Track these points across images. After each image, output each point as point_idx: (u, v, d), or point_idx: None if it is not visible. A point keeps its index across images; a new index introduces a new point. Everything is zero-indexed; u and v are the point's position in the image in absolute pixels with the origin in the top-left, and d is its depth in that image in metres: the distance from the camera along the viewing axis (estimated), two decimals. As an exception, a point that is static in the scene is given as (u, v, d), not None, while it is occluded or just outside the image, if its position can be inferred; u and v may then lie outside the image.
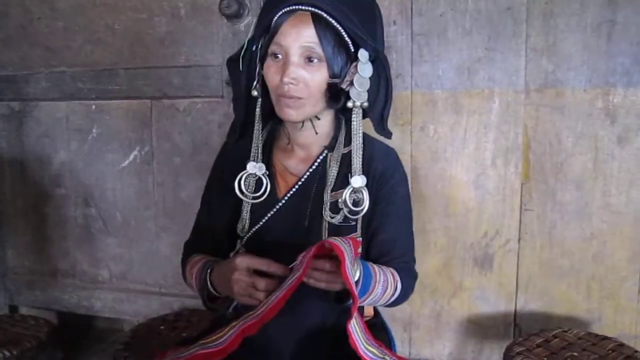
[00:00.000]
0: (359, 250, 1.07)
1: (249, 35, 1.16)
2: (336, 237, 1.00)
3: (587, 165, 1.82)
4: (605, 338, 1.64)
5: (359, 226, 1.17)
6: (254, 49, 1.16)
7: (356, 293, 0.96)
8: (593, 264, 1.85)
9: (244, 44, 1.16)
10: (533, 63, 1.82)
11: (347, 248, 0.97)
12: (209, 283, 1.14)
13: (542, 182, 1.86)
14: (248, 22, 1.92)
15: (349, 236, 1.12)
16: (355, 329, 0.99)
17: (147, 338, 1.83)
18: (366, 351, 0.99)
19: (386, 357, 1.01)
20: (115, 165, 2.18)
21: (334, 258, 0.98)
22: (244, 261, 1.05)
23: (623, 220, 1.81)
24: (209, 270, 1.15)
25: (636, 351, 1.55)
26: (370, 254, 1.20)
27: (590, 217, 1.83)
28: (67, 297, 2.29)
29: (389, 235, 1.19)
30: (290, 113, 1.11)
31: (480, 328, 1.99)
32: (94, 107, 2.16)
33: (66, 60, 2.15)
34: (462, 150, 1.92)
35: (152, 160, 2.14)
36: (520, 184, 1.88)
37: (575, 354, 1.56)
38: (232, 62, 1.20)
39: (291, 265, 1.04)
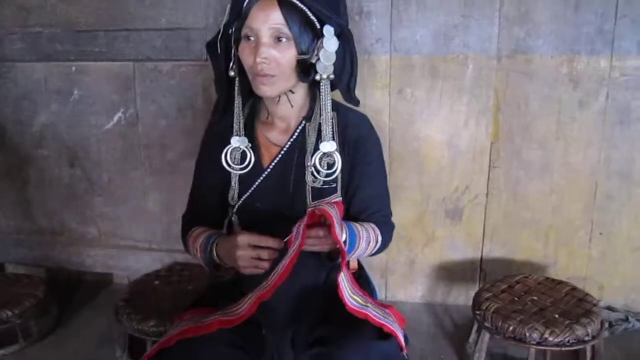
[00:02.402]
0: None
1: (224, 20, 1.23)
2: (323, 204, 1.13)
3: (551, 127, 1.98)
4: (560, 282, 1.87)
5: (339, 187, 1.30)
6: (230, 32, 1.24)
7: (345, 250, 1.11)
8: (551, 216, 2.06)
9: (220, 29, 1.23)
10: (505, 31, 1.93)
11: (334, 212, 1.11)
12: (215, 256, 1.26)
13: (510, 141, 2.02)
14: (231, -14, 1.93)
15: (333, 200, 1.26)
16: (344, 280, 1.14)
17: (144, 293, 1.94)
18: (351, 299, 1.15)
19: (368, 304, 1.17)
20: (99, 127, 2.20)
21: (323, 224, 1.13)
22: (244, 239, 1.17)
23: (579, 176, 2.00)
24: (214, 245, 1.26)
25: (587, 294, 1.78)
26: (351, 212, 1.33)
27: (551, 174, 2.02)
28: (57, 254, 2.36)
29: (367, 194, 1.33)
30: (265, 89, 1.20)
31: (449, 273, 2.20)
32: (73, 68, 2.14)
33: (41, 20, 2.10)
34: (437, 113, 2.04)
35: (137, 122, 2.17)
36: (490, 143, 2.04)
37: (535, 297, 1.78)
38: (210, 46, 1.27)
39: (286, 239, 1.16)
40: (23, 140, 2.29)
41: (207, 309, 1.22)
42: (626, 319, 2.01)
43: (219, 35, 1.24)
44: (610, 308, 2.06)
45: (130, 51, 2.07)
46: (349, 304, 1.12)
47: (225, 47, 1.25)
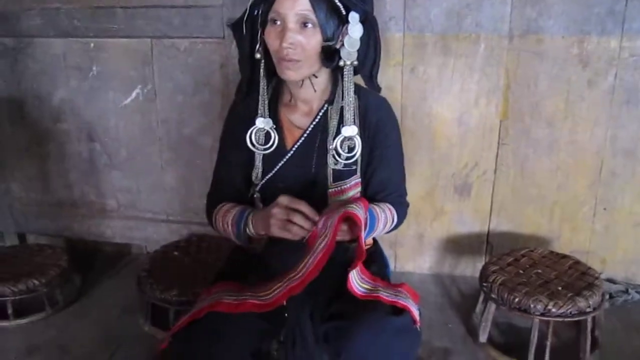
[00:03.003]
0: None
1: (250, 1, 1.25)
2: (351, 204, 1.17)
3: (559, 106, 2.03)
4: (564, 256, 1.95)
5: (358, 169, 1.36)
6: (255, 13, 1.26)
7: (364, 248, 1.17)
8: (557, 192, 2.13)
9: (246, 9, 1.26)
10: (517, 10, 1.96)
11: (361, 212, 1.16)
12: (250, 224, 1.30)
13: (519, 120, 2.07)
14: (248, -35, 1.95)
15: (357, 197, 1.32)
16: (354, 274, 1.20)
17: (165, 264, 2.03)
18: (360, 289, 1.21)
19: (378, 289, 1.23)
20: (118, 103, 2.25)
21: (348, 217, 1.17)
22: (285, 199, 1.21)
23: (585, 155, 2.06)
24: (249, 215, 1.31)
25: (589, 268, 1.86)
26: (369, 191, 1.39)
27: (558, 152, 2.08)
28: (77, 225, 2.44)
29: (384, 176, 1.39)
30: (290, 74, 1.24)
31: (457, 246, 2.28)
32: (92, 45, 2.18)
33: (60, -4, 2.14)
34: (448, 90, 2.09)
35: (155, 98, 2.21)
36: (499, 121, 2.09)
37: (539, 271, 1.86)
38: (235, 26, 1.30)
39: (307, 236, 1.20)
40: (42, 114, 2.34)
41: (234, 284, 1.28)
42: (626, 291, 2.10)
43: (245, 17, 1.26)
44: (611, 280, 2.15)
45: (148, 28, 2.10)
46: (358, 293, 1.19)
47: (250, 29, 1.27)
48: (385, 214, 1.33)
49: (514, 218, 2.19)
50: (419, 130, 2.14)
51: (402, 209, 1.43)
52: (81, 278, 2.28)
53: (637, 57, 1.93)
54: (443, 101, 2.10)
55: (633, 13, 1.89)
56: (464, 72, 2.05)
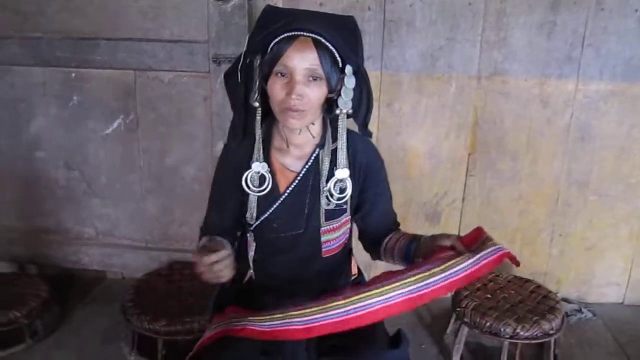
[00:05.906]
0: None
1: (244, 50, 1.31)
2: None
3: (522, 141, 2.21)
4: (527, 281, 2.12)
5: (348, 208, 1.45)
6: (247, 61, 1.32)
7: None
8: (519, 219, 2.31)
9: (240, 56, 1.31)
10: (486, 54, 2.12)
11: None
12: None
13: (485, 153, 2.24)
14: (235, 5, 2.01)
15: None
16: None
17: (149, 293, 2.05)
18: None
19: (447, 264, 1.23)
20: (99, 132, 2.25)
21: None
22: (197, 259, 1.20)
23: (545, 185, 2.25)
24: None
25: (550, 292, 2.04)
26: (369, 226, 1.49)
27: (520, 183, 2.26)
28: (53, 253, 2.41)
29: (382, 210, 1.49)
30: (294, 123, 1.30)
31: (427, 269, 2.42)
32: (73, 75, 2.18)
33: (40, 27, 2.12)
34: (421, 126, 2.23)
35: (137, 128, 2.23)
36: (468, 154, 2.25)
37: (506, 295, 2.02)
38: (229, 75, 1.36)
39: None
40: (20, 141, 2.31)
41: (246, 310, 1.33)
42: (580, 310, 2.30)
43: (240, 64, 1.31)
44: (566, 300, 2.34)
45: (132, 60, 2.13)
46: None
47: (245, 77, 1.33)
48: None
49: (480, 243, 2.36)
50: (394, 162, 2.27)
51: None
52: (60, 307, 2.26)
53: (590, 99, 2.14)
54: (416, 135, 2.24)
55: (588, 59, 2.09)
56: (436, 109, 2.20)
